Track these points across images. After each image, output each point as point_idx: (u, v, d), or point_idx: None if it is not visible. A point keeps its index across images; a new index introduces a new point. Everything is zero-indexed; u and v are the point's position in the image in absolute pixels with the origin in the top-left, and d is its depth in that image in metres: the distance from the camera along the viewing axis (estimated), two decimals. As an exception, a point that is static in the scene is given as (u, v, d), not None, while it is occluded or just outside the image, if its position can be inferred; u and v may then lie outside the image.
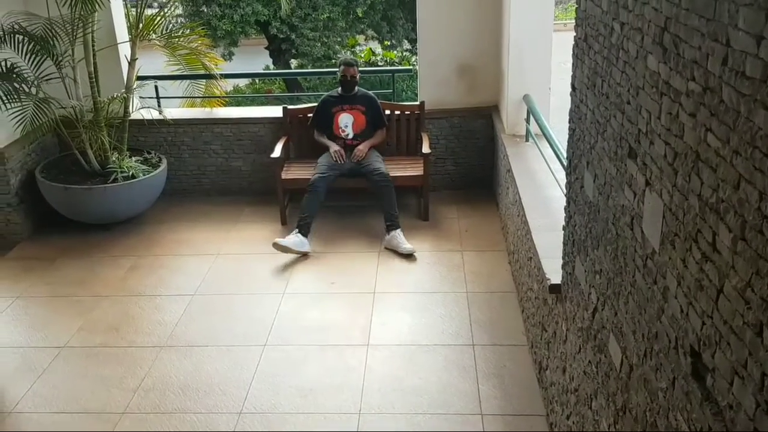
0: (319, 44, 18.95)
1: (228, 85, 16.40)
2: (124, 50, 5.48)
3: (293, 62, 17.92)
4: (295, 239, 4.81)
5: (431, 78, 5.50)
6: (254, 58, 18.74)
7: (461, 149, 5.67)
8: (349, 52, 16.35)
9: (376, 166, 5.05)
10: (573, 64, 2.58)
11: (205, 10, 17.66)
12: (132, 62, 5.25)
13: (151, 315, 4.21)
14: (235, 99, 7.73)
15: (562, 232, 2.87)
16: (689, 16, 1.44)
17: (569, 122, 2.67)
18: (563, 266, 2.86)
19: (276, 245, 4.75)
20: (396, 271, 4.60)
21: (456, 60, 5.41)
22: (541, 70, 4.78)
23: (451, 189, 5.74)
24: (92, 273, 4.75)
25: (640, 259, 1.83)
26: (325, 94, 5.53)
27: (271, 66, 18.36)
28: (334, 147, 5.19)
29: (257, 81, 17.96)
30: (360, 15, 18.69)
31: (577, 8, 2.50)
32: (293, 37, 18.06)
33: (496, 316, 4.05)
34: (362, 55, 14.43)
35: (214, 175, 5.87)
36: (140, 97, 5.80)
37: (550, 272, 3.03)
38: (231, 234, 5.23)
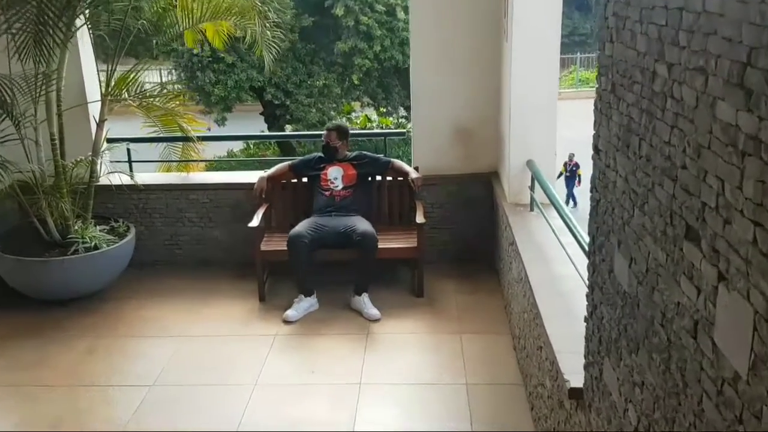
0: (314, 110, 18.80)
1: (221, 149, 16.09)
2: (95, 110, 5.08)
3: (288, 127, 17.75)
4: (303, 305, 4.53)
5: (426, 142, 5.09)
6: (249, 124, 18.57)
7: (458, 218, 5.20)
8: (344, 118, 16.14)
9: (362, 229, 4.57)
10: (595, 121, 2.13)
11: (200, 75, 17.60)
12: (100, 123, 4.83)
13: (100, 410, 3.63)
14: (220, 163, 7.08)
15: (584, 323, 2.36)
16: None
17: (591, 191, 2.20)
18: (587, 367, 2.34)
19: (286, 322, 4.46)
20: (386, 358, 4.05)
21: (452, 123, 5.01)
22: (545, 134, 4.37)
23: (448, 261, 5.24)
24: (44, 356, 4.17)
25: (710, 383, 1.31)
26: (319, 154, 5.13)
27: (267, 131, 18.18)
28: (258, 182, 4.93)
29: (251, 146, 17.74)
30: (356, 82, 18.66)
31: (599, 54, 2.06)
32: (288, 102, 17.97)
33: (501, 414, 3.48)
34: (358, 122, 14.20)
35: (189, 246, 5.37)
36: (111, 162, 5.37)
37: (568, 372, 2.51)
38: (203, 312, 4.69)
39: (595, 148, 2.14)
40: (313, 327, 4.42)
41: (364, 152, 5.14)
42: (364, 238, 4.48)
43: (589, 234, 2.26)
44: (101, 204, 5.24)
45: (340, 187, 4.87)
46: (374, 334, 4.31)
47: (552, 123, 4.34)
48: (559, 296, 3.20)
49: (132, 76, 4.93)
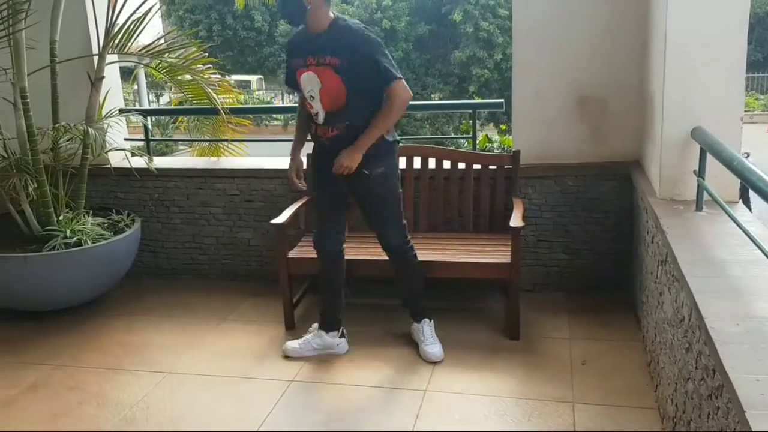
0: (428, 125, 17.49)
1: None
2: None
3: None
4: (314, 342, 3.12)
5: (532, 116, 3.55)
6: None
7: (579, 227, 3.59)
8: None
9: (383, 232, 3.01)
10: None
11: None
12: (96, 83, 3.70)
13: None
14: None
15: None
16: None
17: None
18: None
19: (286, 356, 3.13)
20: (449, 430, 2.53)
21: (572, 88, 3.45)
22: (725, 86, 2.70)
23: (561, 290, 3.64)
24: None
25: None
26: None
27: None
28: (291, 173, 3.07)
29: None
30: (474, 96, 17.22)
31: None
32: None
33: None
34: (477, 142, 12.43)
35: (214, 251, 4.11)
36: (126, 139, 4.27)
37: None
38: (206, 338, 3.39)
39: None
40: (348, 372, 2.98)
41: (353, 38, 2.67)
42: (392, 260, 3.04)
43: None
44: (110, 192, 4.16)
45: (322, 118, 2.78)
46: (435, 393, 2.79)
47: (738, 66, 2.67)
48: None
49: (143, 21, 3.77)
